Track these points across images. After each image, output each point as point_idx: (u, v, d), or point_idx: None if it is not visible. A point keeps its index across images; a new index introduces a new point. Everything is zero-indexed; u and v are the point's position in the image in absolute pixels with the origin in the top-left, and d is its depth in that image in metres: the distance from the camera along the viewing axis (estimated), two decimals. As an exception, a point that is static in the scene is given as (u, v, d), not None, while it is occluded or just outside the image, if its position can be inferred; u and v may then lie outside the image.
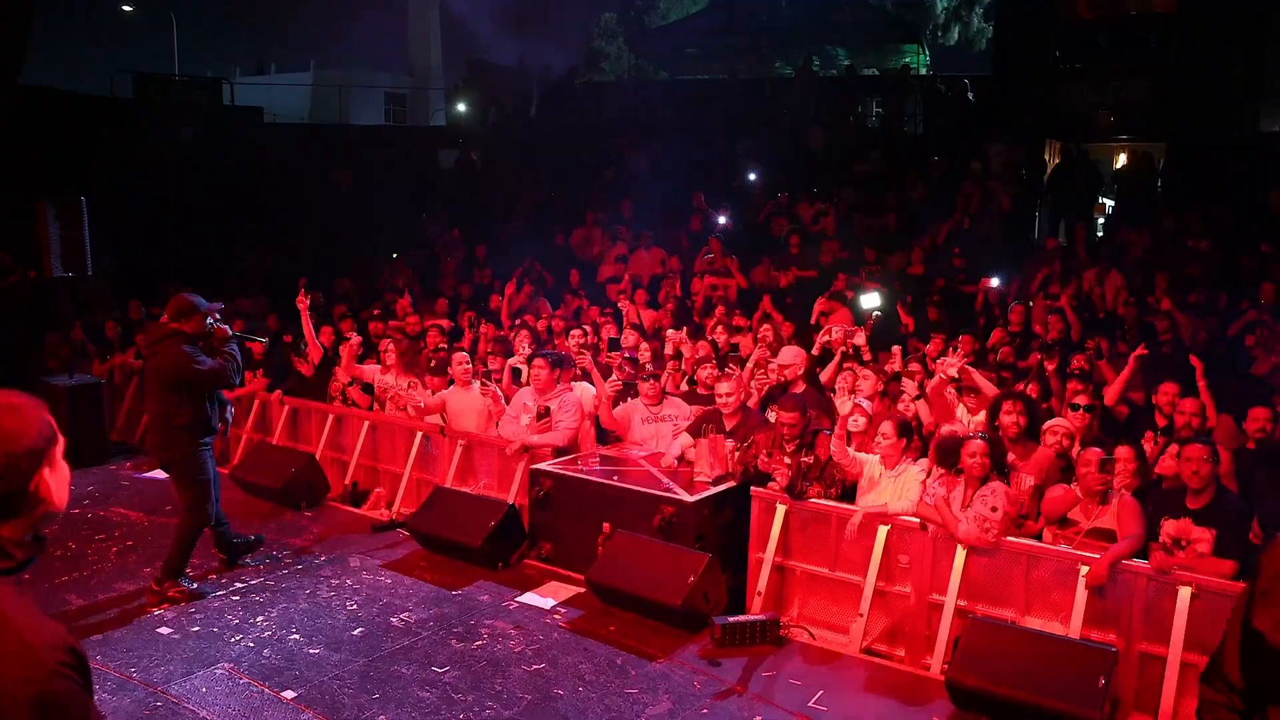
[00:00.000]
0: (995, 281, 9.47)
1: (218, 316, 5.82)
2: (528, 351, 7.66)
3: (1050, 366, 6.70)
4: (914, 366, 6.96)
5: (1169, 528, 4.74)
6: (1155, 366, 6.96)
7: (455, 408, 7.35)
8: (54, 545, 6.22)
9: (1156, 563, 4.56)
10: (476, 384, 7.25)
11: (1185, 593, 4.49)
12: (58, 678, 1.52)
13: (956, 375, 5.96)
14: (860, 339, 7.04)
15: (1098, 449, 4.96)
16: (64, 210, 8.61)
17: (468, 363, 7.42)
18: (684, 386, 7.40)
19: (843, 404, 5.40)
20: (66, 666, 1.55)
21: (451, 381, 7.47)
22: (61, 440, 1.76)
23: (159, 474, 8.48)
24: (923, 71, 21.17)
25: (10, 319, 10.78)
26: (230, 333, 5.86)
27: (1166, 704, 4.45)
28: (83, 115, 14.78)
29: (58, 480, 1.72)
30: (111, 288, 12.01)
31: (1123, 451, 5.06)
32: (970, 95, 14.78)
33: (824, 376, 6.96)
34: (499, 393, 7.08)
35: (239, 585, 5.88)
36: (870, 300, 9.61)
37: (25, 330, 10.70)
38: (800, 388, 6.74)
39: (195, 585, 5.75)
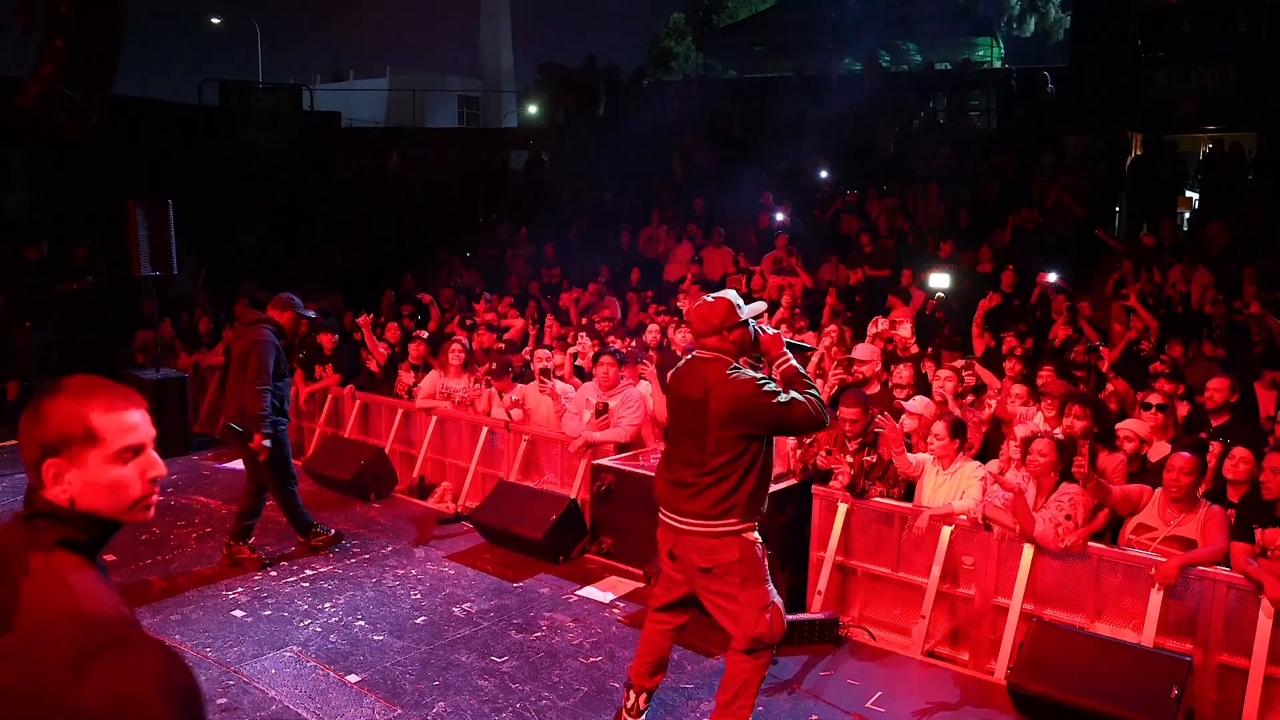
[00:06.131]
0: (1052, 277, 9.13)
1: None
2: (591, 348, 7.71)
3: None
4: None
5: (1259, 536, 4.54)
6: (1247, 369, 6.66)
7: (534, 402, 7.44)
8: (139, 530, 6.46)
9: (1238, 568, 4.37)
10: (555, 382, 7.24)
11: (1269, 603, 4.29)
12: (111, 633, 1.48)
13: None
14: (905, 330, 6.87)
15: (1189, 454, 4.73)
16: (152, 212, 8.98)
17: (549, 359, 7.54)
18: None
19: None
20: (121, 625, 1.51)
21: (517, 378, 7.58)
22: (106, 443, 1.63)
23: (237, 464, 8.82)
24: (997, 64, 20.64)
25: (100, 315, 11.34)
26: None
27: (1248, 719, 4.25)
28: (171, 123, 15.43)
29: (84, 479, 1.62)
30: (202, 287, 12.53)
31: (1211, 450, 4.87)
32: (1050, 87, 14.34)
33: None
34: (557, 389, 7.15)
35: (309, 572, 6.06)
36: (939, 280, 9.37)
37: (115, 326, 11.24)
38: (874, 387, 6.65)
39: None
